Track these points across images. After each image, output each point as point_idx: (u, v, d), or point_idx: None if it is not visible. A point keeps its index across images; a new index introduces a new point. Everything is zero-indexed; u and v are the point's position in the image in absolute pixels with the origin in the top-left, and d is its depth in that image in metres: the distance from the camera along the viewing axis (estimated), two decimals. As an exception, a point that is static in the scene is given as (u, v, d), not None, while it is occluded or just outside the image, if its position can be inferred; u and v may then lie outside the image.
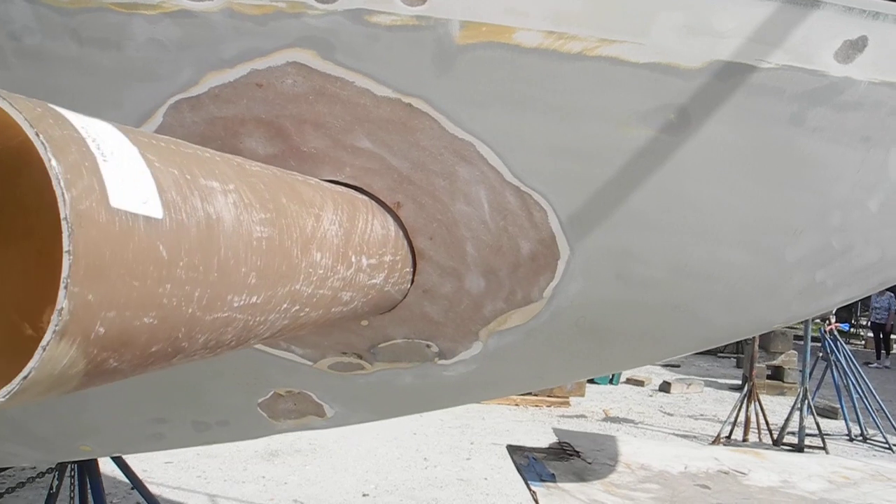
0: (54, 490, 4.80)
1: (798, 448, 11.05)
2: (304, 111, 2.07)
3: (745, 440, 11.39)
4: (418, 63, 2.02)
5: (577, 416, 12.24)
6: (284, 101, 2.05)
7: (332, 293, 1.76)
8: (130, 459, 9.51)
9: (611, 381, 14.85)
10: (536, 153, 2.22)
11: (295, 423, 3.08)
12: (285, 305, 1.51)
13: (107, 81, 1.99)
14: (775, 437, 11.59)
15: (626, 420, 12.20)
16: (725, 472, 4.37)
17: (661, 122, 2.18)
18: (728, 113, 2.19)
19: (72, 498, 4.88)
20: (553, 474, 3.81)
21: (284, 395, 2.94)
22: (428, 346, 2.69)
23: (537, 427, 11.50)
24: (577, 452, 4.08)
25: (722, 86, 2.14)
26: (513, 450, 4.03)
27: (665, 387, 14.83)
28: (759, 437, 11.60)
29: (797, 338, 15.82)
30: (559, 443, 4.26)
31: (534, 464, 3.92)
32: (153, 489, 8.88)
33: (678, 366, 17.80)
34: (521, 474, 3.82)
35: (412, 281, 2.47)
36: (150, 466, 9.32)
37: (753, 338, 11.47)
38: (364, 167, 2.19)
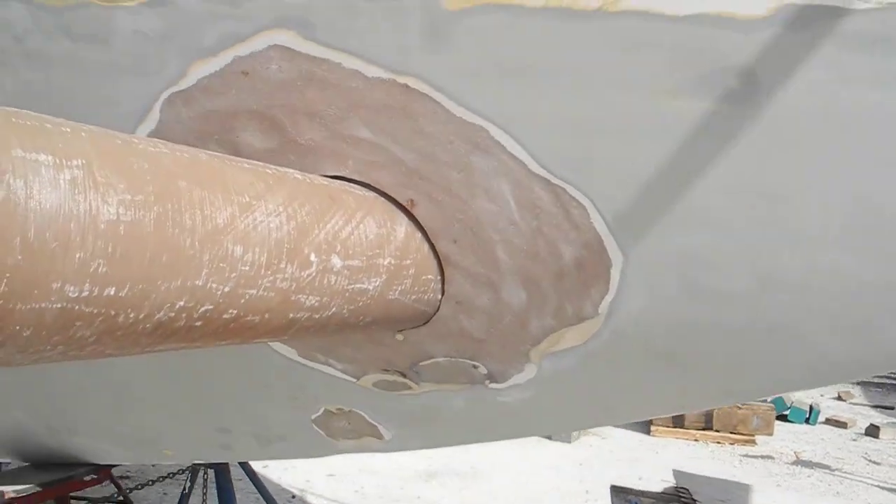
0: (187, 491, 5.01)
1: None
2: (294, 99, 1.89)
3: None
4: (407, 35, 1.76)
5: (763, 457, 10.86)
6: (273, 89, 1.88)
7: (279, 295, 1.54)
8: (298, 470, 9.94)
9: (807, 420, 13.09)
10: (563, 137, 1.85)
11: (354, 443, 2.88)
12: (181, 303, 1.31)
13: (101, 78, 1.95)
14: None
15: (820, 465, 10.62)
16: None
17: (718, 90, 1.72)
18: (812, 74, 1.67)
19: (204, 500, 5.09)
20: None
21: (336, 413, 2.76)
22: (475, 366, 2.37)
23: (716, 465, 10.37)
24: (695, 501, 3.45)
25: (799, 38, 1.64)
26: (616, 491, 3.51)
27: (872, 430, 12.79)
28: None
29: None
30: (676, 487, 3.66)
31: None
32: (312, 500, 9.19)
33: (892, 408, 15.33)
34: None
35: (442, 291, 2.18)
36: (312, 478, 9.66)
37: None
38: (367, 160, 1.96)
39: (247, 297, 1.46)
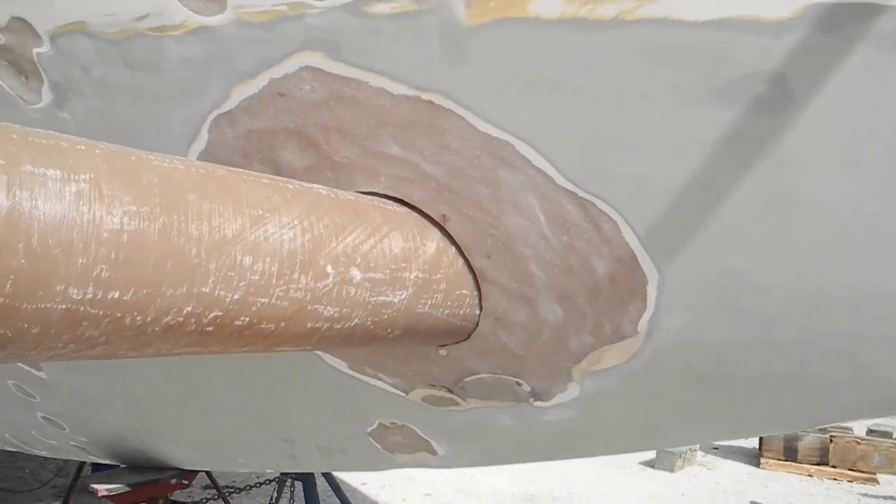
0: (274, 500, 5.19)
1: None
2: (326, 118, 1.96)
3: None
4: (428, 53, 1.79)
5: (886, 498, 9.98)
6: (306, 108, 1.96)
7: (293, 305, 1.59)
8: (396, 488, 10.06)
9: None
10: (588, 150, 1.81)
11: (409, 457, 2.91)
12: (189, 308, 1.39)
13: (157, 103, 2.10)
14: None
15: (959, 511, 9.63)
16: None
17: (746, 98, 1.64)
18: (850, 78, 1.56)
19: (290, 508, 5.25)
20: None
21: (390, 427, 2.79)
22: (518, 383, 2.34)
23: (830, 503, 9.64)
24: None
25: (830, 39, 1.54)
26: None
27: None
28: None
29: None
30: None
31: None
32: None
33: None
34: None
35: (480, 307, 2.17)
36: (409, 497, 9.75)
37: None
38: (399, 176, 2.00)
39: (258, 304, 1.53)
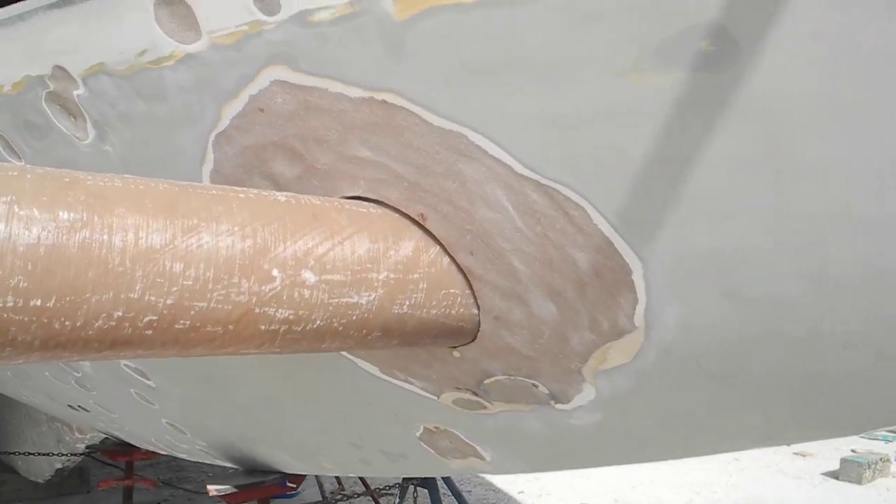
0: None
1: None
2: (301, 128, 2.01)
3: None
4: (372, 52, 1.78)
5: None
6: (283, 120, 2.02)
7: (238, 308, 1.65)
8: (553, 497, 9.89)
9: None
10: (538, 133, 1.71)
11: (462, 463, 2.87)
12: (119, 313, 1.50)
13: (170, 130, 2.27)
14: None
15: None
16: None
17: (689, 56, 1.46)
18: (804, 18, 1.34)
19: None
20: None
21: (435, 432, 2.78)
22: (534, 385, 2.24)
23: None
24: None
25: (771, -22, 1.33)
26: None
27: None
28: None
29: None
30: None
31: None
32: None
33: None
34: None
35: (477, 306, 2.11)
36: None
37: None
38: (375, 178, 2.00)
39: (196, 308, 1.60)
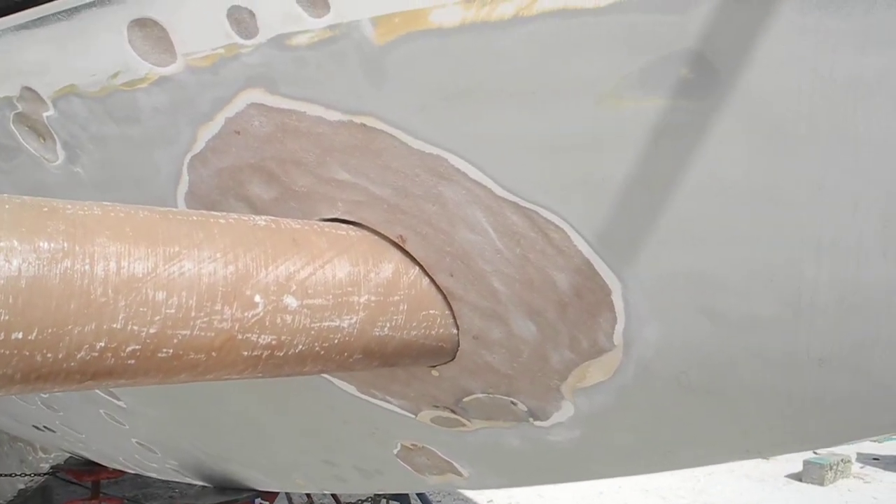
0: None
1: None
2: (279, 151, 2.00)
3: None
4: (352, 76, 1.78)
5: None
6: (260, 143, 2.01)
7: (221, 335, 1.64)
8: None
9: None
10: (518, 156, 1.72)
11: (439, 479, 2.87)
12: (102, 344, 1.47)
13: (143, 151, 2.24)
14: None
15: None
16: None
17: (668, 83, 1.49)
18: (779, 47, 1.38)
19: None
20: None
21: (412, 449, 2.77)
22: (513, 402, 2.26)
23: None
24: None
25: (749, 8, 1.37)
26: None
27: None
28: None
29: None
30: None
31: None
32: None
33: None
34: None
35: (456, 326, 2.12)
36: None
37: None
38: (353, 200, 2.00)
39: (180, 337, 1.58)
